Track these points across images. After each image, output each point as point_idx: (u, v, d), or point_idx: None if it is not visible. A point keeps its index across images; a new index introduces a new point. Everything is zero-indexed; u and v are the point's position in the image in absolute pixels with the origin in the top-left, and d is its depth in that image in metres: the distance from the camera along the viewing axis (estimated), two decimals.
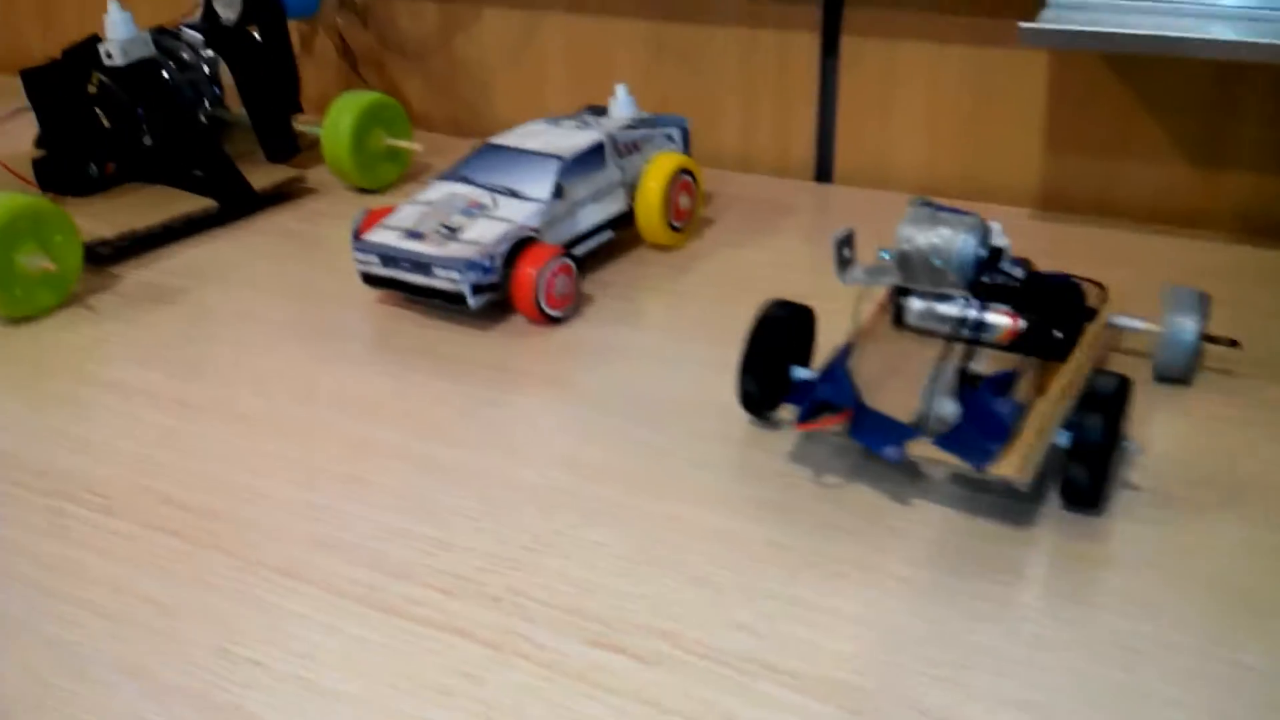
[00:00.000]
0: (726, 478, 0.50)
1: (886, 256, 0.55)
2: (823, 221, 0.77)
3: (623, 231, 0.71)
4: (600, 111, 0.76)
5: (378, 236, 0.64)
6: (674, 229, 0.72)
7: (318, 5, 0.86)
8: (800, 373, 0.52)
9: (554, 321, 0.63)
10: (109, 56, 0.76)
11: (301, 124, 0.86)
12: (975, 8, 0.76)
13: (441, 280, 0.61)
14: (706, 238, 0.75)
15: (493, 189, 0.66)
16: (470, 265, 0.61)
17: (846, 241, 0.56)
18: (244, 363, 0.60)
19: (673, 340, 0.62)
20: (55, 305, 0.65)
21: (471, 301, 0.62)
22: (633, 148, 0.72)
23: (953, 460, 0.45)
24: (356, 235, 0.66)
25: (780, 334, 0.52)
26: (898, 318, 0.55)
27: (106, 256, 0.71)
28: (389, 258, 0.63)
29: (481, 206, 0.65)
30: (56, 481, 0.50)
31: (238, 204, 0.78)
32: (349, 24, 0.94)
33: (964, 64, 0.78)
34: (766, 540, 0.46)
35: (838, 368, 0.49)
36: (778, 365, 0.52)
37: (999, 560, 0.45)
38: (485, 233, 0.63)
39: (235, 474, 0.51)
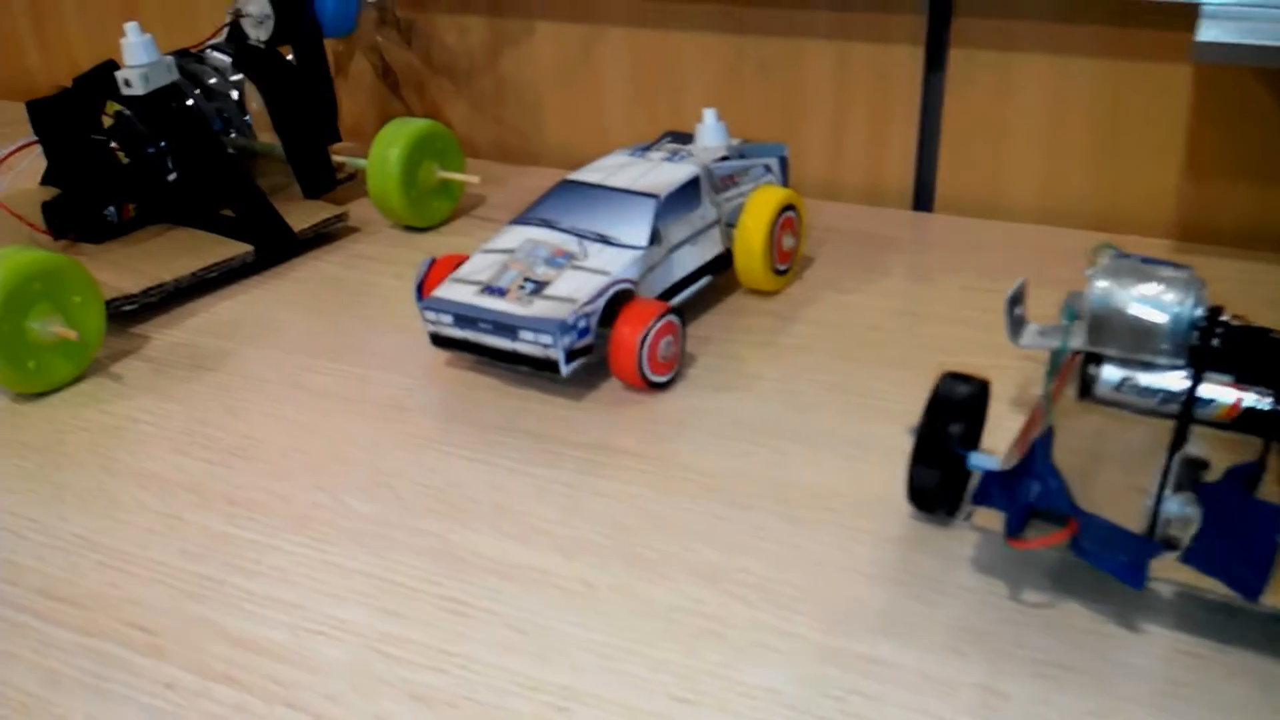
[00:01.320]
0: (904, 595, 0.41)
1: (1071, 318, 0.46)
2: (933, 258, 0.68)
3: (719, 276, 0.63)
4: (683, 139, 0.67)
5: (450, 292, 0.55)
6: (777, 273, 0.63)
7: (355, 22, 0.77)
8: (981, 461, 0.43)
9: (657, 388, 0.54)
10: (127, 85, 0.67)
11: (340, 155, 0.77)
12: (1104, 16, 0.68)
13: (529, 345, 0.52)
14: (807, 279, 0.66)
15: (580, 234, 0.57)
16: (564, 328, 0.52)
17: (1018, 298, 0.47)
18: (299, 446, 0.51)
19: (797, 410, 0.53)
20: (74, 377, 0.56)
21: (565, 370, 0.53)
22: (729, 182, 0.63)
23: (1209, 583, 0.37)
24: (421, 289, 0.57)
25: (959, 415, 0.43)
26: (1085, 389, 0.46)
27: (130, 314, 0.62)
28: (465, 318, 0.54)
29: (568, 255, 0.56)
30: (87, 609, 0.41)
31: (275, 248, 0.69)
32: (389, 42, 0.85)
33: (1090, 78, 0.70)
34: (978, 685, 0.37)
35: (1045, 462, 0.40)
36: (956, 452, 0.43)
37: (1266, 709, 0.36)
38: (577, 287, 0.54)
39: (306, 598, 0.42)
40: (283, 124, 0.73)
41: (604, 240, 0.57)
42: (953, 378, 0.44)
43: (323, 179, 0.75)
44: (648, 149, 0.65)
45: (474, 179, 0.73)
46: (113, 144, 0.69)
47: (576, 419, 0.53)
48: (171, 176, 0.69)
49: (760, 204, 0.62)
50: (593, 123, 0.84)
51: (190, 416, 0.54)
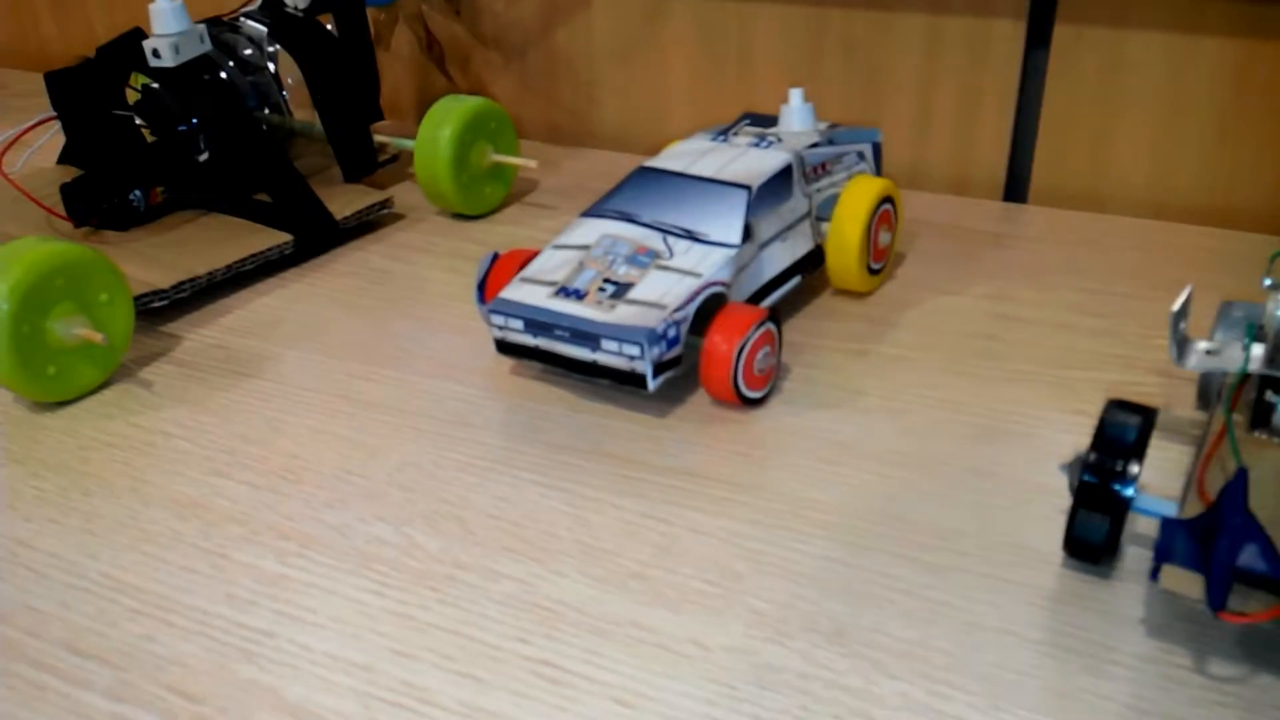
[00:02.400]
0: (1074, 666, 0.35)
1: (1251, 336, 0.40)
2: (1037, 255, 0.62)
3: (809, 276, 0.56)
4: (764, 122, 0.61)
5: (520, 293, 0.49)
6: (872, 271, 0.57)
7: None
8: (1155, 506, 0.37)
9: (750, 404, 0.48)
10: (156, 55, 0.60)
11: (381, 134, 0.70)
12: None
13: (612, 356, 0.46)
14: (901, 278, 0.60)
15: (664, 230, 0.51)
16: (654, 337, 0.46)
17: (1184, 312, 0.41)
18: (353, 468, 0.45)
19: (907, 432, 0.47)
20: (99, 384, 0.51)
21: (652, 385, 0.47)
22: (820, 170, 0.57)
23: None
24: (483, 288, 0.52)
25: (1129, 452, 0.37)
26: (1261, 418, 0.40)
27: (158, 311, 0.56)
28: (538, 323, 0.48)
29: (652, 253, 0.50)
30: (119, 669, 0.36)
31: (316, 237, 0.63)
32: (434, 11, 0.79)
33: (1211, 59, 0.63)
34: None
35: (1246, 516, 0.34)
36: (1124, 496, 0.37)
37: None
38: (665, 290, 0.48)
39: (375, 658, 0.36)
40: (323, 101, 0.67)
41: (691, 237, 0.51)
42: (1119, 406, 0.38)
43: (364, 161, 0.69)
44: (727, 132, 0.59)
45: (530, 163, 0.67)
46: (138, 121, 0.63)
47: (662, 440, 0.47)
48: (203, 157, 0.63)
49: (857, 196, 0.55)
50: (653, 102, 0.78)
51: (230, 431, 0.48)
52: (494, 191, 0.68)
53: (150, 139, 0.64)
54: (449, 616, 0.38)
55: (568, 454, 0.46)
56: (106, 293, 0.49)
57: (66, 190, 0.60)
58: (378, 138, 0.70)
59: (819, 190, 0.57)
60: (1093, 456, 0.37)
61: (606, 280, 0.49)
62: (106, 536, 0.42)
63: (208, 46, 0.62)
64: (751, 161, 0.54)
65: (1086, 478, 0.37)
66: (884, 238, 0.57)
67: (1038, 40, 0.66)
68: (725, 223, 0.51)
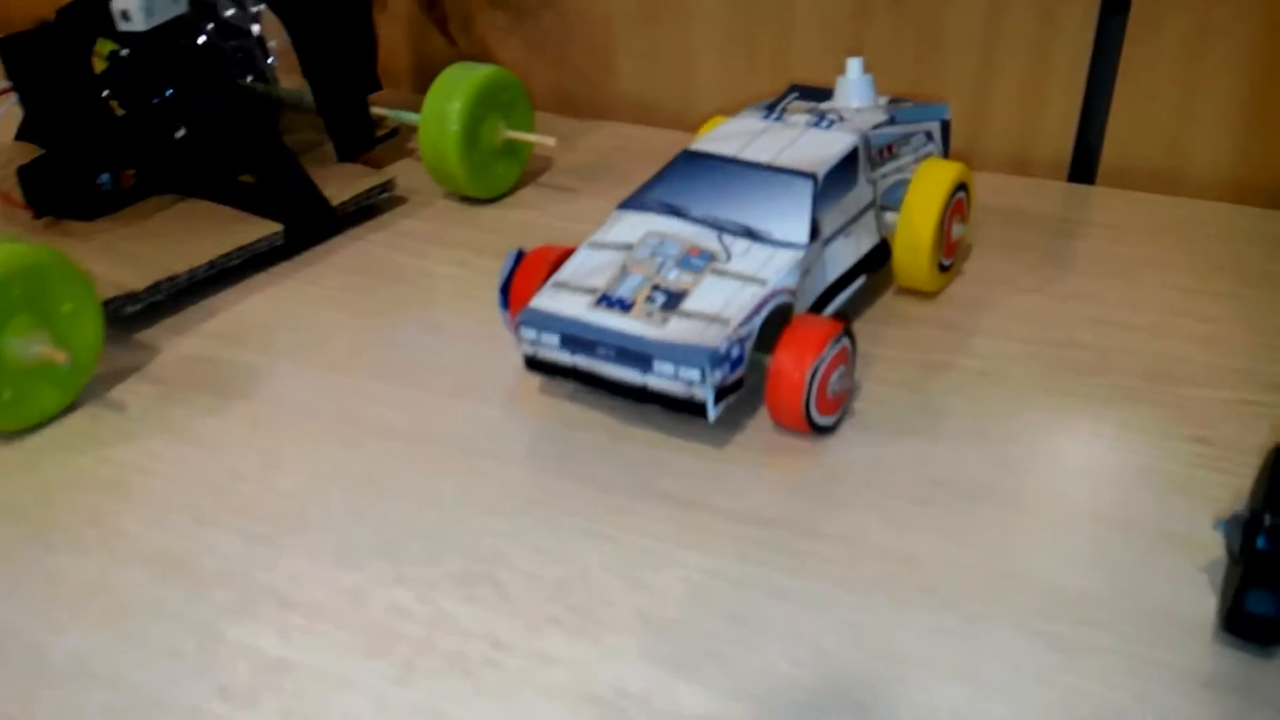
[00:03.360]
0: None
1: None
2: (1117, 245, 0.56)
3: (873, 275, 0.50)
4: (816, 95, 0.54)
5: (555, 302, 0.42)
6: (942, 268, 0.51)
7: None
8: None
9: (822, 431, 0.42)
10: (125, 17, 0.53)
11: (379, 107, 0.63)
12: None
13: (666, 380, 0.40)
14: (969, 273, 0.54)
15: (719, 226, 0.44)
16: (716, 359, 0.39)
17: None
18: (364, 510, 0.39)
19: (1006, 465, 0.41)
20: (63, 408, 0.44)
21: (713, 413, 0.40)
22: (887, 153, 0.50)
23: None
24: (507, 292, 0.45)
25: None
26: None
27: (132, 317, 0.49)
28: (578, 340, 0.41)
29: (707, 255, 0.43)
30: None
31: (311, 226, 0.56)
32: None
33: None
34: None
35: None
36: None
37: None
38: (726, 300, 0.41)
39: None
40: (315, 69, 0.59)
41: (751, 235, 0.44)
42: None
43: (360, 136, 0.62)
44: (775, 108, 0.52)
45: (549, 141, 0.60)
46: (105, 93, 0.55)
47: (723, 476, 0.40)
48: (180, 133, 0.56)
49: (930, 184, 0.49)
50: (677, 69, 0.71)
51: (217, 466, 0.41)
52: (507, 171, 0.61)
53: (120, 113, 0.57)
54: (483, 705, 0.31)
55: (614, 493, 0.39)
56: (71, 301, 0.42)
57: (25, 173, 0.53)
58: (374, 110, 0.63)
59: (884, 176, 0.50)
60: (1269, 519, 0.30)
61: (655, 287, 0.42)
62: (74, 605, 0.35)
63: (184, 8, 0.54)
64: (813, 144, 0.47)
65: (1263, 545, 0.30)
66: (957, 230, 0.51)
67: (1115, 5, 0.59)
68: (789, 218, 0.44)
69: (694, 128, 0.71)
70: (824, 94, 0.54)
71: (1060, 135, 0.63)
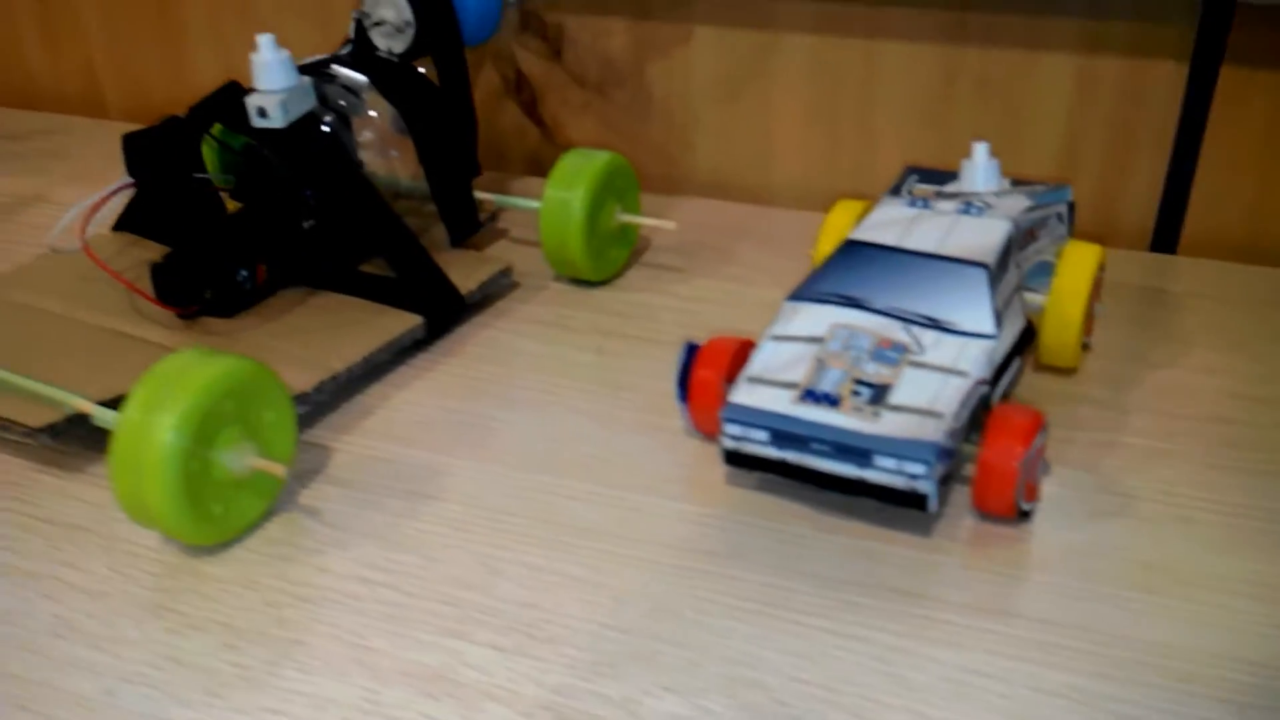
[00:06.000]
0: None
1: None
2: (1222, 316, 0.58)
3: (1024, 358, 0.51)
4: (935, 178, 0.55)
5: (756, 398, 0.43)
6: (1085, 346, 0.52)
7: (496, 26, 0.64)
8: None
9: (1023, 517, 0.43)
10: (263, 114, 0.52)
11: (480, 192, 0.63)
12: None
13: (888, 474, 0.40)
14: (1097, 349, 0.55)
15: (904, 318, 0.45)
16: (940, 452, 0.40)
17: None
18: (605, 619, 0.39)
19: (1214, 546, 0.42)
20: (263, 515, 0.43)
21: (933, 504, 0.41)
22: (1030, 237, 0.52)
23: None
24: (685, 385, 0.45)
25: None
26: None
27: (303, 418, 0.48)
28: (789, 435, 0.41)
29: (899, 348, 0.44)
30: None
31: (445, 317, 0.55)
32: (527, 50, 0.72)
33: None
34: None
35: None
36: None
37: None
38: (934, 394, 0.42)
39: None
40: (430, 156, 0.59)
41: (937, 326, 0.45)
42: None
43: (468, 221, 0.62)
44: (902, 189, 0.53)
45: (669, 224, 0.60)
46: (203, 175, 0.55)
47: (943, 567, 0.41)
48: (307, 224, 0.55)
49: (1078, 267, 0.51)
50: (756, 145, 0.72)
51: (440, 574, 0.41)
52: (618, 254, 0.62)
53: (232, 205, 0.56)
54: None
55: (844, 589, 0.40)
56: (273, 410, 0.42)
57: (159, 271, 0.52)
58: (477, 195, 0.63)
59: (1026, 259, 0.51)
60: None
61: (858, 381, 0.43)
62: None
63: (313, 102, 0.54)
64: (972, 233, 0.48)
65: None
66: (1098, 310, 0.52)
67: (1201, 82, 0.62)
68: (972, 308, 0.45)
69: (773, 201, 0.72)
70: (944, 176, 0.55)
71: (1143, 208, 0.66)
